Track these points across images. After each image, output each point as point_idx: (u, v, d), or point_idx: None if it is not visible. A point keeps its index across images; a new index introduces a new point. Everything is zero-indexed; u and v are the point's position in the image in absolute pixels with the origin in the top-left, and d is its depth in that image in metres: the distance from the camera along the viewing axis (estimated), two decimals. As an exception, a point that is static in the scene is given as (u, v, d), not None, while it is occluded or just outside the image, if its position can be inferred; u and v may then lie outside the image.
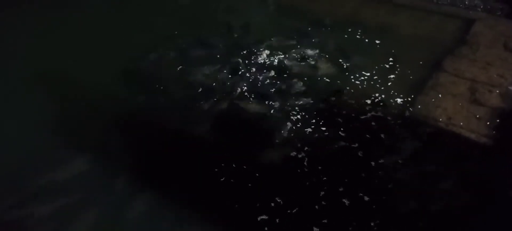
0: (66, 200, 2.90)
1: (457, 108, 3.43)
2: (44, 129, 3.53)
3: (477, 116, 3.33)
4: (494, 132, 3.17)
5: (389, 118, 3.42)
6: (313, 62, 4.18)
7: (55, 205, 2.87)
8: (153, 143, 3.39)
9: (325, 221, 2.66)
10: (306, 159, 3.10)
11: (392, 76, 3.94)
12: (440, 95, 3.57)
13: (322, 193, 2.84)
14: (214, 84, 3.92)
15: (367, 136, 3.27)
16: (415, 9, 4.95)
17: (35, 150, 3.30)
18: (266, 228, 2.65)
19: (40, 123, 3.59)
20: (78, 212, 2.82)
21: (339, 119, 3.45)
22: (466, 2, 4.78)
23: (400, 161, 3.02)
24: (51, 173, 3.09)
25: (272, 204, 2.78)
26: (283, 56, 4.31)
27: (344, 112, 3.52)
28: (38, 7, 5.47)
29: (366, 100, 3.63)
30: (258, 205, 2.79)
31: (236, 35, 4.72)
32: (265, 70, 4.11)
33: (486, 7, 4.65)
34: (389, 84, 3.84)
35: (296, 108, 3.60)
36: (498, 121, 3.25)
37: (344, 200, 2.78)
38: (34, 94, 3.96)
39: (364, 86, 3.84)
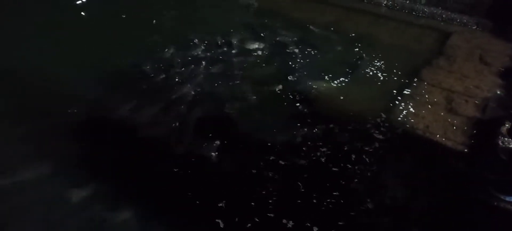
0: (19, 204, 2.75)
1: (434, 117, 3.48)
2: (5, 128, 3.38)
3: (454, 125, 3.38)
4: (469, 140, 3.22)
5: (367, 125, 3.42)
6: (292, 65, 4.19)
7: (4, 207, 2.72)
8: (121, 147, 3.27)
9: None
10: (281, 161, 3.06)
11: (371, 84, 3.97)
12: (418, 104, 3.61)
13: (295, 196, 2.80)
14: (192, 91, 3.84)
15: (344, 141, 3.25)
16: (395, 21, 5.04)
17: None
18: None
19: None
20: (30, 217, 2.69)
21: (316, 124, 3.41)
22: (444, 16, 4.90)
23: (376, 167, 3.02)
24: (7, 174, 2.93)
25: (242, 208, 2.73)
26: (261, 59, 4.31)
27: (321, 117, 3.50)
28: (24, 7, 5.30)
29: (345, 106, 3.63)
30: (227, 207, 2.73)
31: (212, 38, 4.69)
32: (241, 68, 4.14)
33: (462, 20, 4.78)
34: (368, 91, 3.86)
35: (272, 111, 3.59)
36: (473, 130, 3.31)
37: (317, 201, 2.76)
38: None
39: (343, 92, 3.85)
